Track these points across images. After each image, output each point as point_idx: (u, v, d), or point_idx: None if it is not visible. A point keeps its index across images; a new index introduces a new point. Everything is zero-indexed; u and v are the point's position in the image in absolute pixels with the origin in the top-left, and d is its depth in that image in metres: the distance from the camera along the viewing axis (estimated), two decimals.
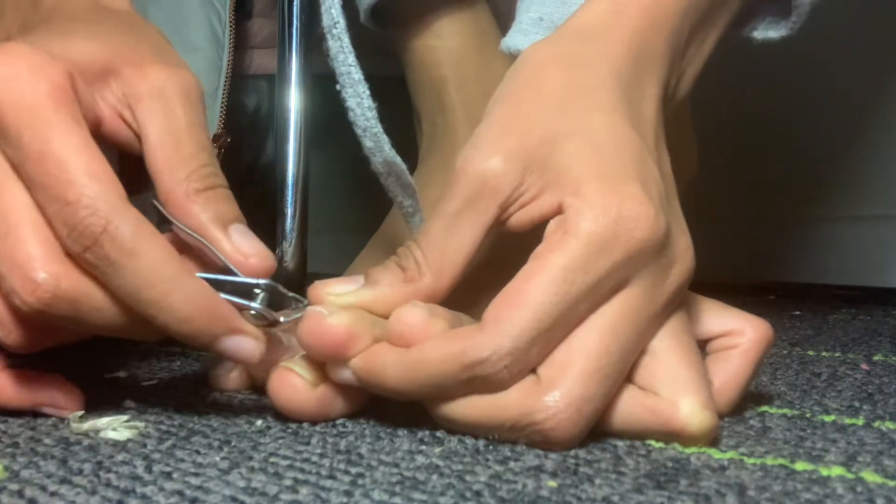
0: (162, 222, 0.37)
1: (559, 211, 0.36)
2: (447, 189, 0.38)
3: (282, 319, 0.37)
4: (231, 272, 0.37)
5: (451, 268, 0.37)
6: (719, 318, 0.40)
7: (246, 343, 0.36)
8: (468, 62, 0.63)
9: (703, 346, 0.40)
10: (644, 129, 0.39)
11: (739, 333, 0.40)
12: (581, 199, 0.35)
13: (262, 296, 0.37)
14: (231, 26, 0.69)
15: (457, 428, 0.36)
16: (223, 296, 0.36)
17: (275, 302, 0.37)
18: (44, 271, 0.34)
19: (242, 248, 0.38)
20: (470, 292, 0.39)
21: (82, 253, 0.34)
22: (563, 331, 0.35)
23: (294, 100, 0.66)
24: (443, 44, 0.63)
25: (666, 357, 0.36)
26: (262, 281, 0.37)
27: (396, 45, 0.65)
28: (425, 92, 0.64)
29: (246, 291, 0.37)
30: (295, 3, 0.67)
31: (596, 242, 0.35)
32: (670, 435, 0.35)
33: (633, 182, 0.36)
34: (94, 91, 0.38)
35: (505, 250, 0.40)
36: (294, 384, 0.37)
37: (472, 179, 0.37)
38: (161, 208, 0.37)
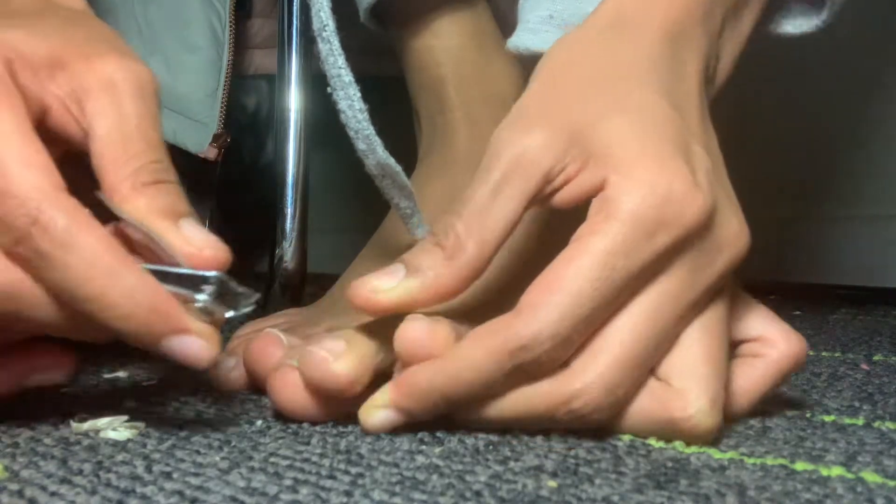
0: (109, 219, 0.34)
1: (602, 188, 0.35)
2: (485, 162, 0.37)
3: (227, 315, 0.35)
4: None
5: (493, 236, 0.36)
6: (757, 322, 0.40)
7: (193, 343, 0.34)
8: (467, 62, 0.63)
9: (735, 345, 0.39)
10: (687, 109, 0.38)
11: (771, 343, 0.39)
12: (626, 178, 0.34)
13: (210, 290, 0.34)
14: (231, 26, 0.69)
15: (498, 426, 0.36)
16: (167, 288, 0.33)
17: (225, 296, 0.35)
18: None
19: (194, 239, 0.35)
20: (508, 279, 0.39)
21: (13, 247, 0.32)
22: (604, 315, 0.34)
23: (294, 100, 0.66)
24: (442, 44, 0.63)
25: (690, 348, 0.36)
26: (210, 273, 0.34)
27: (396, 45, 0.65)
28: (424, 92, 0.64)
29: (194, 286, 0.34)
30: (295, 3, 0.67)
31: (641, 225, 0.34)
32: (673, 426, 0.35)
33: (680, 161, 0.35)
34: (40, 82, 0.36)
35: (543, 237, 0.40)
36: (295, 384, 0.37)
37: (512, 152, 0.36)
38: (105, 200, 0.35)
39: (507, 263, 0.39)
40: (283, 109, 0.67)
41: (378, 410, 0.36)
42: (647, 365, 0.35)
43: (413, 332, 0.35)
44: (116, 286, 0.33)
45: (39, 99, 0.36)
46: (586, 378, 0.34)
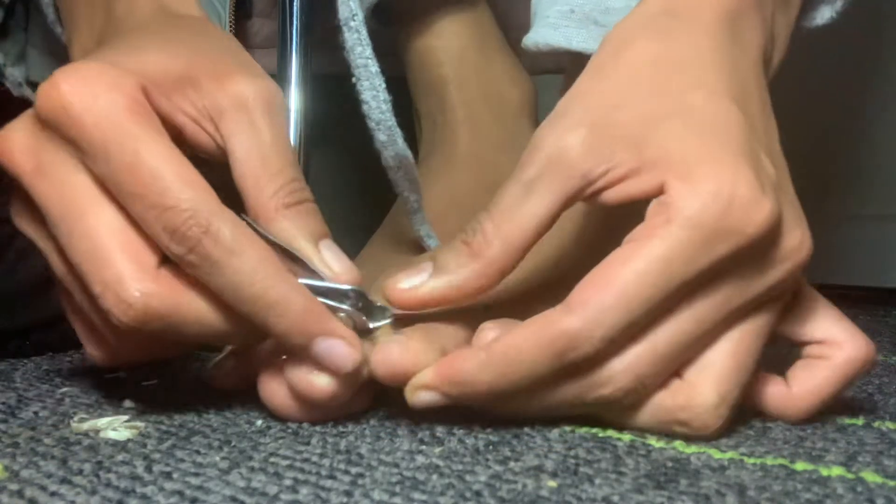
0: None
1: (660, 191, 0.34)
2: (523, 159, 0.36)
3: (370, 326, 0.37)
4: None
5: (522, 233, 0.36)
6: (823, 323, 0.39)
7: (340, 347, 0.36)
8: (469, 62, 0.63)
9: (800, 345, 0.39)
10: (749, 105, 0.37)
11: (837, 346, 0.38)
12: (687, 183, 0.34)
13: (351, 302, 0.37)
14: (231, 26, 0.69)
15: (531, 414, 0.37)
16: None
17: (364, 309, 0.37)
18: (135, 290, 0.34)
19: (332, 265, 0.37)
20: (552, 273, 0.39)
21: (185, 255, 0.34)
22: (657, 318, 0.34)
23: (294, 100, 0.66)
24: (443, 44, 0.63)
25: (717, 348, 0.35)
26: (350, 288, 0.37)
27: (398, 45, 0.65)
28: (426, 92, 0.64)
29: (337, 298, 0.37)
30: (295, 3, 0.67)
31: (702, 233, 0.33)
32: (676, 416, 0.35)
33: (744, 165, 0.34)
34: (172, 102, 0.37)
35: (590, 234, 0.39)
36: (282, 389, 0.37)
37: (550, 151, 0.36)
38: (251, 222, 0.37)
39: (540, 265, 0.39)
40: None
41: (421, 391, 0.36)
42: (679, 362, 0.35)
43: (386, 355, 0.36)
44: (276, 287, 0.35)
45: (172, 119, 0.37)
46: (617, 366, 0.34)
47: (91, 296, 0.35)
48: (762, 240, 0.34)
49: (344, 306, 0.37)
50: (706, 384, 0.35)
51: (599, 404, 0.35)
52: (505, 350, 0.34)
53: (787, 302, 0.38)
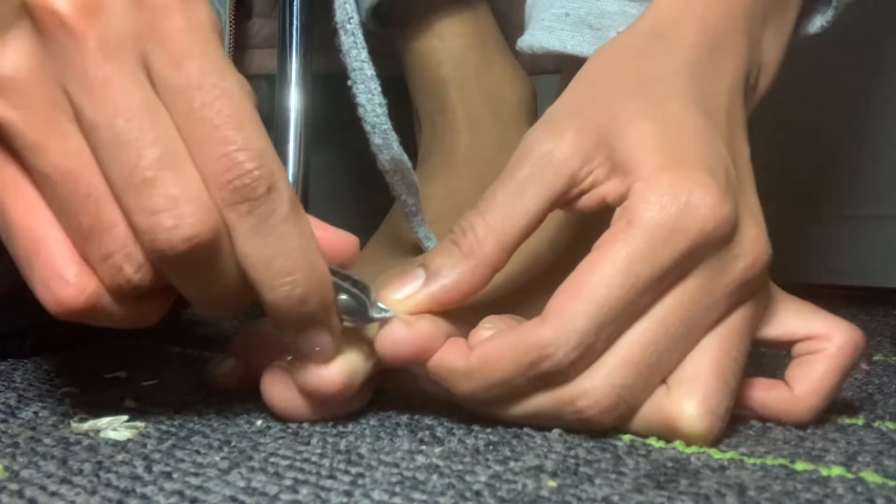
0: None
1: (626, 196, 0.35)
2: (513, 160, 0.37)
3: (375, 316, 0.36)
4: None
5: (514, 231, 0.36)
6: (803, 319, 0.39)
7: (323, 338, 0.35)
8: (469, 63, 0.63)
9: (787, 347, 0.39)
10: (718, 118, 0.38)
11: (825, 338, 0.38)
12: (648, 186, 0.35)
13: (346, 297, 0.36)
14: (231, 26, 0.69)
15: (508, 421, 0.37)
16: None
17: (360, 307, 0.36)
18: (192, 210, 0.31)
19: (326, 226, 0.36)
20: (530, 281, 0.39)
21: (238, 203, 0.32)
22: (628, 322, 0.35)
23: (294, 100, 0.66)
24: (443, 44, 0.63)
25: (698, 356, 0.35)
26: (356, 276, 0.36)
27: (397, 46, 0.65)
28: (425, 92, 0.64)
29: (335, 288, 0.35)
30: (295, 3, 0.67)
31: (661, 233, 0.34)
32: (665, 429, 0.35)
33: (702, 170, 0.35)
34: None
35: (567, 242, 0.40)
36: (287, 385, 0.37)
37: (540, 153, 0.37)
38: None
39: (530, 265, 0.39)
40: (284, 109, 0.66)
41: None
42: (658, 371, 0.35)
43: (394, 335, 0.36)
44: (315, 270, 0.33)
45: None
46: (593, 377, 0.34)
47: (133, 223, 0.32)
48: (718, 238, 0.35)
49: (342, 296, 0.35)
50: (688, 396, 0.35)
51: (579, 421, 0.35)
52: (481, 358, 0.35)
53: (763, 306, 0.38)
